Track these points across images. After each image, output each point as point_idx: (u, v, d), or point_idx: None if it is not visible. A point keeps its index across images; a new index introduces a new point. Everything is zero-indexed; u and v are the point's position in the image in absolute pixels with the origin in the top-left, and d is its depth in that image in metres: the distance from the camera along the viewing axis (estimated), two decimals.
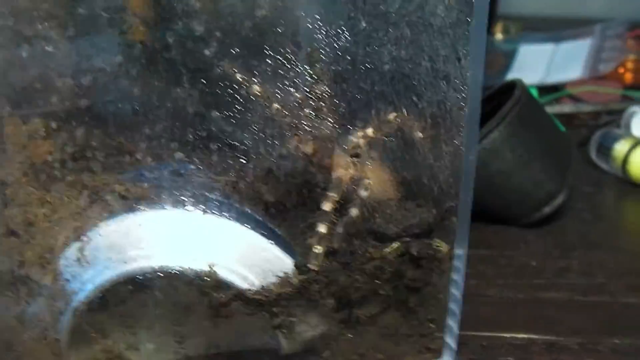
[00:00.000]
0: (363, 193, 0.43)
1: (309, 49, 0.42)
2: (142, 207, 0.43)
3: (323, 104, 0.44)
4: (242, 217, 0.43)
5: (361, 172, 0.45)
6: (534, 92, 0.98)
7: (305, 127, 0.45)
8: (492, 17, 1.34)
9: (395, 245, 0.43)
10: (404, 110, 0.44)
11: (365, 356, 0.46)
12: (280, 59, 0.45)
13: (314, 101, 0.44)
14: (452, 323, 0.47)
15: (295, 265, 0.41)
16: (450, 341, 0.46)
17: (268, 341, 0.43)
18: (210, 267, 0.40)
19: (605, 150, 0.78)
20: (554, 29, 1.24)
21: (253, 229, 0.42)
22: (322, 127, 0.45)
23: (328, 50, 0.45)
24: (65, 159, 0.53)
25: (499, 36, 1.32)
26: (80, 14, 0.47)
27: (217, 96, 0.54)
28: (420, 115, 0.43)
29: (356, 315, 0.43)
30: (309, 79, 0.43)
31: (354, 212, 0.42)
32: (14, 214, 0.43)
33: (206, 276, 0.40)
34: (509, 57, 1.21)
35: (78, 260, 0.41)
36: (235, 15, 0.45)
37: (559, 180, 0.66)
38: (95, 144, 0.57)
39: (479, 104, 0.41)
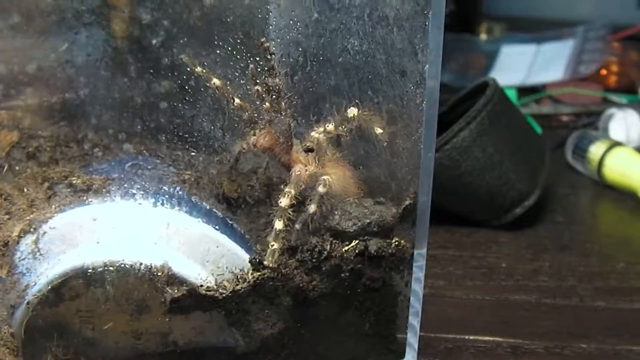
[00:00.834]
0: (321, 189, 0.42)
1: (262, 39, 0.41)
2: (95, 200, 0.42)
3: (279, 98, 0.43)
4: (197, 211, 0.42)
5: (320, 168, 0.45)
6: (513, 93, 0.98)
7: (264, 122, 0.45)
8: (476, 17, 1.34)
9: (353, 243, 0.42)
10: (364, 106, 0.44)
11: (325, 356, 0.45)
12: (233, 51, 0.45)
13: (271, 95, 0.44)
14: (415, 322, 0.46)
15: (250, 262, 0.40)
16: (413, 341, 0.46)
17: (225, 339, 0.42)
18: (162, 261, 0.39)
19: (580, 152, 0.77)
20: (537, 30, 1.24)
21: (208, 223, 0.42)
22: (279, 122, 0.44)
23: (285, 40, 0.45)
24: (30, 151, 0.53)
25: (483, 36, 1.32)
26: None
27: (180, 90, 0.54)
28: (378, 110, 0.42)
29: (314, 314, 0.42)
30: (264, 72, 0.43)
31: (312, 208, 0.42)
32: None
33: (159, 271, 0.39)
34: (491, 58, 1.21)
35: (32, 253, 0.41)
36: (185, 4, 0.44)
37: (530, 181, 0.65)
38: (61, 135, 0.57)
39: (438, 100, 0.40)
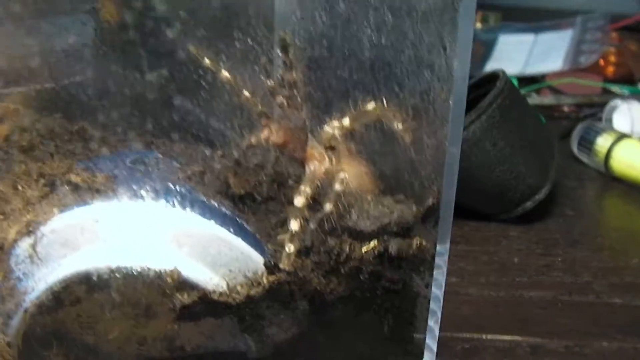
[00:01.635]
0: (338, 187, 0.40)
1: (280, 32, 0.39)
2: (98, 200, 0.39)
3: (296, 92, 0.41)
4: (208, 212, 0.40)
5: (337, 165, 0.42)
6: (514, 82, 0.96)
7: (277, 117, 0.42)
8: None
9: (372, 244, 0.40)
10: (384, 100, 0.42)
11: None
12: (250, 42, 0.42)
13: (286, 89, 0.41)
14: (433, 324, 0.44)
15: (265, 265, 0.38)
16: (431, 343, 0.44)
17: (236, 344, 0.40)
18: (171, 265, 0.37)
19: (587, 144, 0.76)
20: (532, 19, 1.22)
21: (220, 224, 0.39)
22: (294, 117, 0.42)
23: (302, 33, 0.43)
24: (24, 144, 0.50)
25: (477, 25, 1.30)
26: None
27: (182, 81, 0.51)
28: (401, 105, 0.40)
29: (331, 317, 0.40)
30: (281, 65, 0.40)
31: (328, 207, 0.39)
32: None
33: (168, 276, 0.37)
34: (487, 47, 1.19)
35: (30, 257, 0.38)
36: None
37: (541, 174, 0.63)
38: (55, 128, 0.54)
39: (465, 96, 0.38)
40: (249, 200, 0.45)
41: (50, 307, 0.37)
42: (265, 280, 0.38)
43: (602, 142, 0.74)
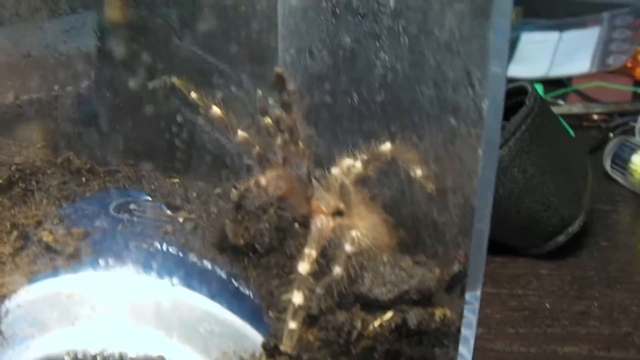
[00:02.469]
0: (348, 248, 0.34)
1: (275, 69, 0.33)
2: (71, 267, 0.34)
3: (294, 136, 0.35)
4: (199, 276, 0.35)
5: (347, 219, 0.37)
6: (540, 89, 0.89)
7: (276, 162, 0.37)
8: None
9: (388, 315, 0.34)
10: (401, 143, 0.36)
11: None
12: (243, 79, 0.37)
13: (285, 133, 0.36)
14: None
15: (263, 347, 0.32)
16: None
17: None
18: (154, 353, 0.31)
19: (621, 162, 0.70)
20: (556, 15, 1.15)
21: (212, 294, 0.34)
22: (295, 163, 0.37)
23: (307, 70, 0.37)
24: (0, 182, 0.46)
25: None
26: None
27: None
28: (421, 153, 0.34)
29: None
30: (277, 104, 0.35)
31: (337, 270, 0.34)
32: None
33: None
34: (509, 47, 1.12)
35: None
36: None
37: (574, 204, 0.57)
38: (37, 161, 0.50)
39: (497, 144, 0.32)
40: (249, 253, 0.39)
41: None
42: None
43: (638, 161, 0.68)
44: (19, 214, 0.42)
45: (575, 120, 0.85)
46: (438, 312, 0.35)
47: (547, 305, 0.52)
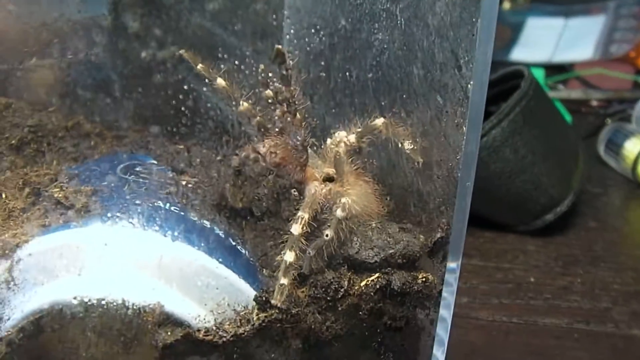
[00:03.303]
0: (340, 213, 0.37)
1: (276, 45, 0.35)
2: (80, 221, 0.36)
3: (293, 107, 0.38)
4: (198, 234, 0.37)
5: (339, 186, 0.39)
6: (541, 74, 0.91)
7: (275, 131, 0.39)
8: None
9: (374, 276, 0.37)
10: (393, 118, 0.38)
11: None
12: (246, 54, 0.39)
13: (284, 104, 0.38)
14: (439, 354, 0.41)
15: (256, 301, 0.35)
16: None
17: None
18: (154, 300, 0.34)
19: (614, 147, 0.72)
20: (564, 1, 1.16)
21: (211, 251, 0.36)
22: (293, 132, 0.39)
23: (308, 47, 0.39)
24: (13, 142, 0.48)
25: (505, 5, 1.24)
26: None
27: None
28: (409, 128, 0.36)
29: (326, 356, 0.37)
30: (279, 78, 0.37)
31: (328, 234, 0.36)
32: None
33: (150, 311, 0.34)
34: (515, 31, 1.13)
35: (6, 282, 0.35)
36: None
37: (563, 186, 0.59)
38: (49, 124, 0.52)
39: (481, 121, 0.34)
40: (247, 215, 0.42)
41: (27, 336, 0.34)
42: (255, 318, 0.35)
43: (631, 147, 0.70)
44: (31, 173, 0.44)
45: (575, 105, 0.87)
46: (421, 276, 0.37)
47: (532, 279, 0.54)
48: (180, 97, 0.50)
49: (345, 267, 0.37)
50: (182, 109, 0.50)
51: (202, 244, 0.36)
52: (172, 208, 0.38)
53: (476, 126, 0.34)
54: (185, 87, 0.50)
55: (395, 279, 0.37)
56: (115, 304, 0.34)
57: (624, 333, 0.49)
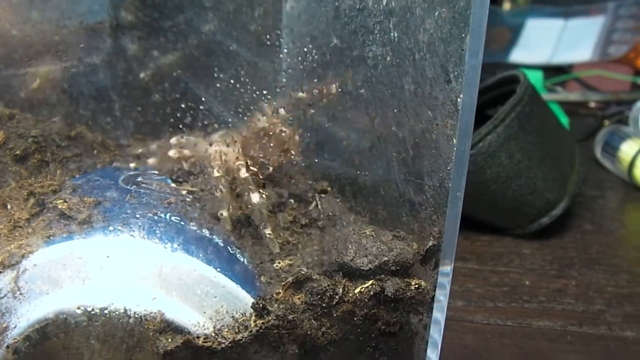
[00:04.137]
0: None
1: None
2: (83, 232, 0.38)
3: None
4: (195, 243, 0.38)
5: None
6: (539, 76, 0.92)
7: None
8: None
9: (368, 283, 0.38)
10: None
11: None
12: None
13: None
14: (434, 356, 0.42)
15: (253, 308, 0.36)
16: None
17: None
18: (155, 308, 0.35)
19: (611, 149, 0.72)
20: (564, 2, 1.17)
21: (209, 260, 0.37)
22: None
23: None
24: (17, 154, 0.49)
25: (506, 6, 1.25)
26: None
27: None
28: (402, 141, 0.37)
29: None
30: None
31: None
32: None
33: (151, 319, 0.35)
34: (515, 32, 1.14)
35: (12, 291, 0.37)
36: None
37: (559, 188, 0.60)
38: (52, 134, 0.52)
39: (471, 133, 0.35)
40: (246, 223, 0.43)
41: (33, 344, 0.36)
42: (253, 324, 0.36)
43: (627, 149, 0.71)
44: (35, 184, 0.45)
45: (572, 107, 0.88)
46: (414, 282, 0.38)
47: (527, 282, 0.55)
48: (181, 106, 0.51)
49: (340, 274, 0.38)
50: (184, 120, 0.51)
51: (201, 254, 0.38)
52: (173, 218, 0.40)
53: (466, 138, 0.35)
54: (185, 97, 0.51)
55: (389, 285, 0.38)
56: (117, 312, 0.35)
57: (617, 335, 0.50)
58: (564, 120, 0.81)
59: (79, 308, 0.35)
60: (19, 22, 0.50)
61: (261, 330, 0.36)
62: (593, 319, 0.51)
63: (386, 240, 0.39)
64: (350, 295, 0.37)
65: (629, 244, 0.63)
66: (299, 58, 0.38)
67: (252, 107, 0.44)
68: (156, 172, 0.46)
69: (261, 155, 0.41)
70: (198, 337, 0.35)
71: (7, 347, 0.36)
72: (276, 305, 0.36)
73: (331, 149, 0.41)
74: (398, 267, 0.38)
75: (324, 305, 0.37)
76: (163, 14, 0.47)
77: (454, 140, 0.35)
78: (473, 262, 0.57)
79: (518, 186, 0.59)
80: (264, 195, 0.41)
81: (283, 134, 0.40)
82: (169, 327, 0.35)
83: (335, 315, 0.37)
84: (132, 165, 0.45)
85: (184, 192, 0.43)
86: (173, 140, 0.46)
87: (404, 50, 0.36)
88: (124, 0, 0.50)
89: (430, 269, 0.39)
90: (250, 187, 0.40)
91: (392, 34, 0.37)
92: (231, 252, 0.40)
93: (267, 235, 0.41)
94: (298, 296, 0.37)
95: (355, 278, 0.38)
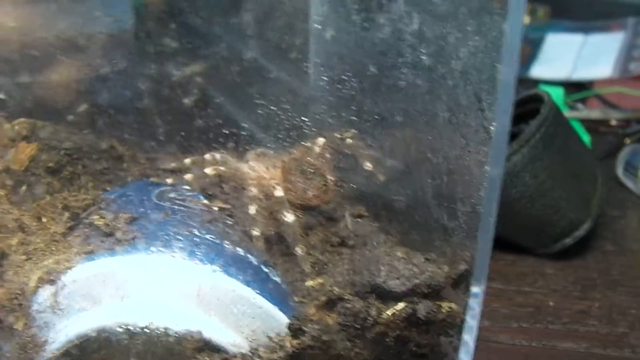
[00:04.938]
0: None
1: None
2: (120, 249, 0.38)
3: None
4: (231, 263, 0.39)
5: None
6: (560, 93, 0.92)
7: None
8: None
9: (400, 305, 0.38)
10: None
11: None
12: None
13: None
14: None
15: (289, 328, 0.37)
16: None
17: None
18: (193, 327, 0.36)
19: (632, 169, 0.73)
20: (586, 15, 1.16)
21: (245, 279, 0.38)
22: None
23: None
24: (51, 164, 0.49)
25: (525, 18, 1.25)
26: None
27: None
28: (435, 169, 0.38)
29: None
30: None
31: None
32: None
33: (189, 338, 0.36)
34: (534, 47, 1.14)
35: (51, 306, 0.37)
36: None
37: (582, 210, 0.61)
38: (84, 147, 0.53)
39: (504, 160, 0.36)
40: (278, 242, 0.44)
41: (72, 359, 0.37)
42: (288, 344, 0.37)
43: None
44: (70, 197, 0.46)
45: (593, 125, 0.88)
46: (445, 305, 0.39)
47: (551, 303, 0.56)
48: (211, 118, 0.52)
49: (373, 295, 0.39)
50: (213, 132, 0.52)
51: (239, 274, 0.38)
52: (208, 236, 0.40)
53: (498, 164, 0.36)
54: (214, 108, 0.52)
55: (420, 308, 0.38)
56: (156, 330, 0.36)
57: None
58: (586, 138, 0.82)
59: (120, 326, 0.36)
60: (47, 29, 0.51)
61: (297, 351, 0.36)
62: (616, 341, 0.51)
63: (418, 262, 0.39)
64: (383, 316, 0.38)
65: None
66: (337, 86, 0.39)
67: (286, 126, 0.44)
68: (188, 187, 0.47)
69: (299, 181, 0.41)
70: (235, 357, 0.36)
71: None
72: (311, 325, 0.37)
73: (368, 174, 0.42)
74: (430, 290, 0.39)
75: (357, 326, 0.37)
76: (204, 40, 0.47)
77: (486, 166, 0.36)
78: (497, 282, 0.58)
79: (542, 206, 0.59)
80: (298, 215, 0.41)
81: (327, 175, 0.41)
82: (207, 346, 0.36)
83: (368, 336, 0.38)
84: (168, 180, 0.45)
85: (216, 209, 0.44)
86: (207, 156, 0.47)
87: (439, 79, 0.36)
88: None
89: (462, 293, 0.39)
90: (285, 206, 0.41)
91: (426, 63, 0.37)
92: (266, 271, 0.40)
93: (300, 254, 0.41)
94: (331, 316, 0.38)
95: (387, 299, 0.39)
